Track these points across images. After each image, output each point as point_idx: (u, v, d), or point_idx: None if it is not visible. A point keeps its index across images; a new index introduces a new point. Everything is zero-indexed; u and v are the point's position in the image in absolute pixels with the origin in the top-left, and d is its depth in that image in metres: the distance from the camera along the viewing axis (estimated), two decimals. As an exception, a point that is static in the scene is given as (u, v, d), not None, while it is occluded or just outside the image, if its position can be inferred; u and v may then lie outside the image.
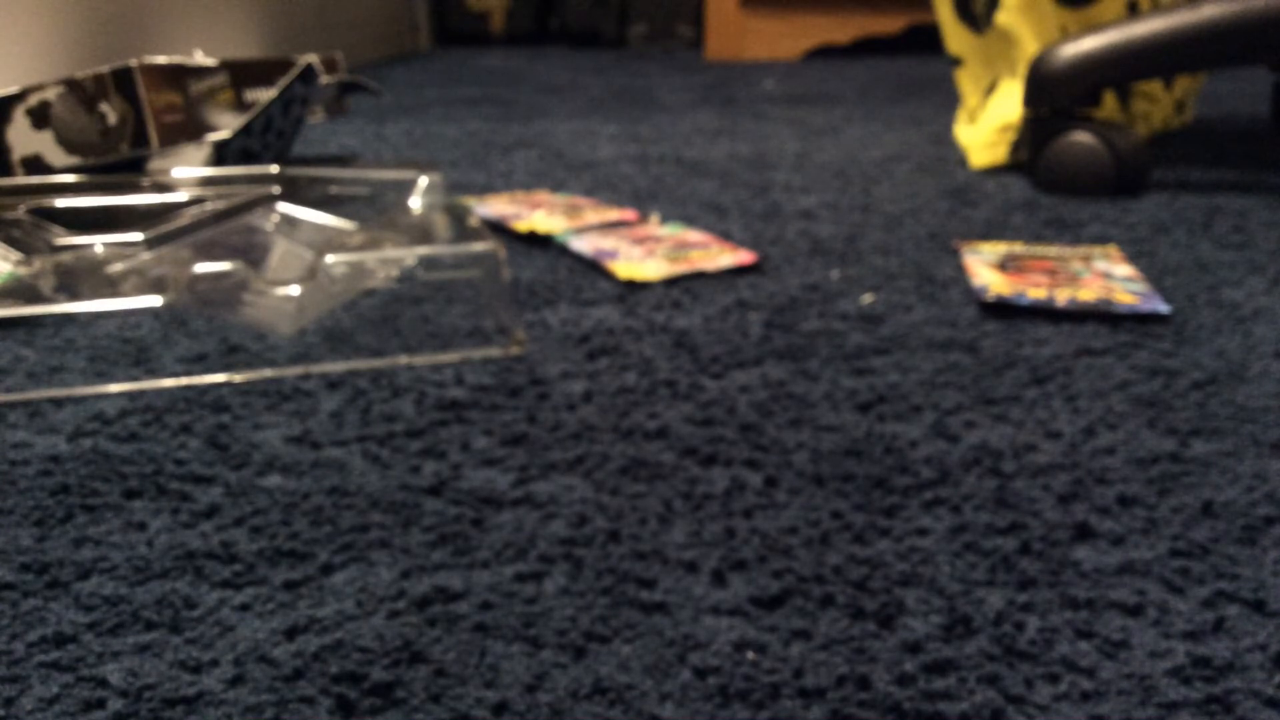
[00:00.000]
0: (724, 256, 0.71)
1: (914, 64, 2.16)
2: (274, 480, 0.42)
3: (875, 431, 0.46)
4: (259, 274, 0.59)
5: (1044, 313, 0.61)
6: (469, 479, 0.42)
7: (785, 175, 1.02)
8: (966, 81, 1.13)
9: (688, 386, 0.51)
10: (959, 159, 1.09)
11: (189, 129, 0.88)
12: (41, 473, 0.43)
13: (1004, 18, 1.00)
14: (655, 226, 0.79)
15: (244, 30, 1.66)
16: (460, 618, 0.33)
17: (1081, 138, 0.89)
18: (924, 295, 0.64)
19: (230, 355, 0.56)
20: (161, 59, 0.87)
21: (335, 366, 0.54)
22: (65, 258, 0.58)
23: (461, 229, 0.63)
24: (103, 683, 0.30)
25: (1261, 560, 0.36)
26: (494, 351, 0.55)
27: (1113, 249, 0.71)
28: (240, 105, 0.97)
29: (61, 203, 0.70)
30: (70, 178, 0.73)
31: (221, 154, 0.91)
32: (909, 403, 0.49)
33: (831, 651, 0.31)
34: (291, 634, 0.32)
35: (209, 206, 0.68)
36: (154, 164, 0.90)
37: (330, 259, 0.56)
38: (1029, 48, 0.99)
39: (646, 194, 0.93)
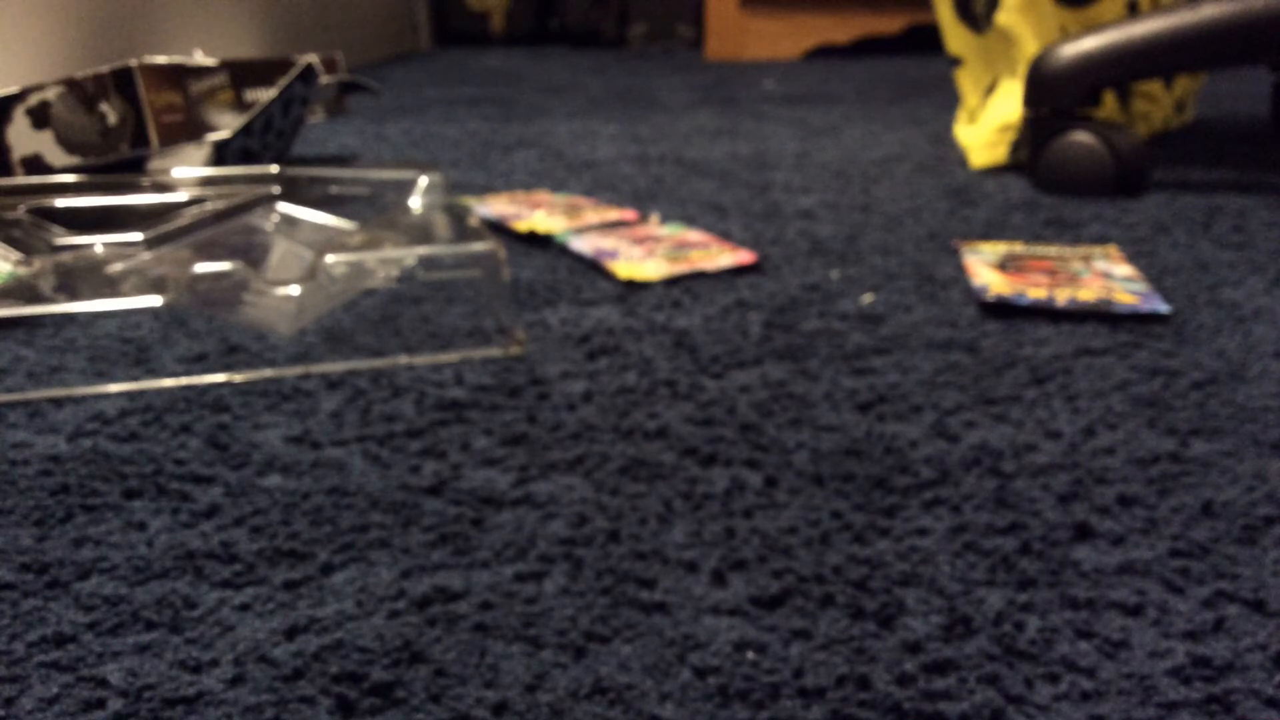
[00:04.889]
0: (724, 256, 0.71)
1: (914, 64, 2.16)
2: (274, 480, 0.42)
3: (875, 431, 0.46)
4: (259, 274, 0.59)
5: (1044, 313, 0.61)
6: (469, 479, 0.42)
7: (785, 175, 1.02)
8: (966, 81, 1.13)
9: (688, 386, 0.51)
10: (959, 159, 1.09)
11: (189, 129, 0.88)
12: (41, 473, 0.43)
13: (1004, 18, 1.00)
14: (655, 226, 0.79)
15: (244, 30, 1.65)
16: (460, 618, 0.33)
17: (1081, 138, 0.89)
18: (924, 295, 0.64)
19: (230, 355, 0.56)
20: (161, 59, 0.87)
21: (335, 366, 0.54)
22: (65, 258, 0.58)
23: (461, 229, 0.63)
24: (103, 683, 0.30)
25: (1261, 560, 0.36)
26: (494, 351, 0.55)
27: (1113, 249, 0.71)
28: (240, 105, 0.97)
29: (61, 203, 0.70)
30: (70, 178, 0.73)
31: (221, 154, 0.91)
32: (909, 403, 0.49)
33: (831, 651, 0.31)
34: (291, 634, 0.32)
35: (209, 206, 0.68)
36: (154, 164, 0.90)
37: (330, 259, 0.56)
38: (1029, 48, 0.99)
39: (646, 194, 0.93)
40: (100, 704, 0.29)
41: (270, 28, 1.76)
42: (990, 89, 1.09)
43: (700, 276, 0.69)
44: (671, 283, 0.67)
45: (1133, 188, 0.90)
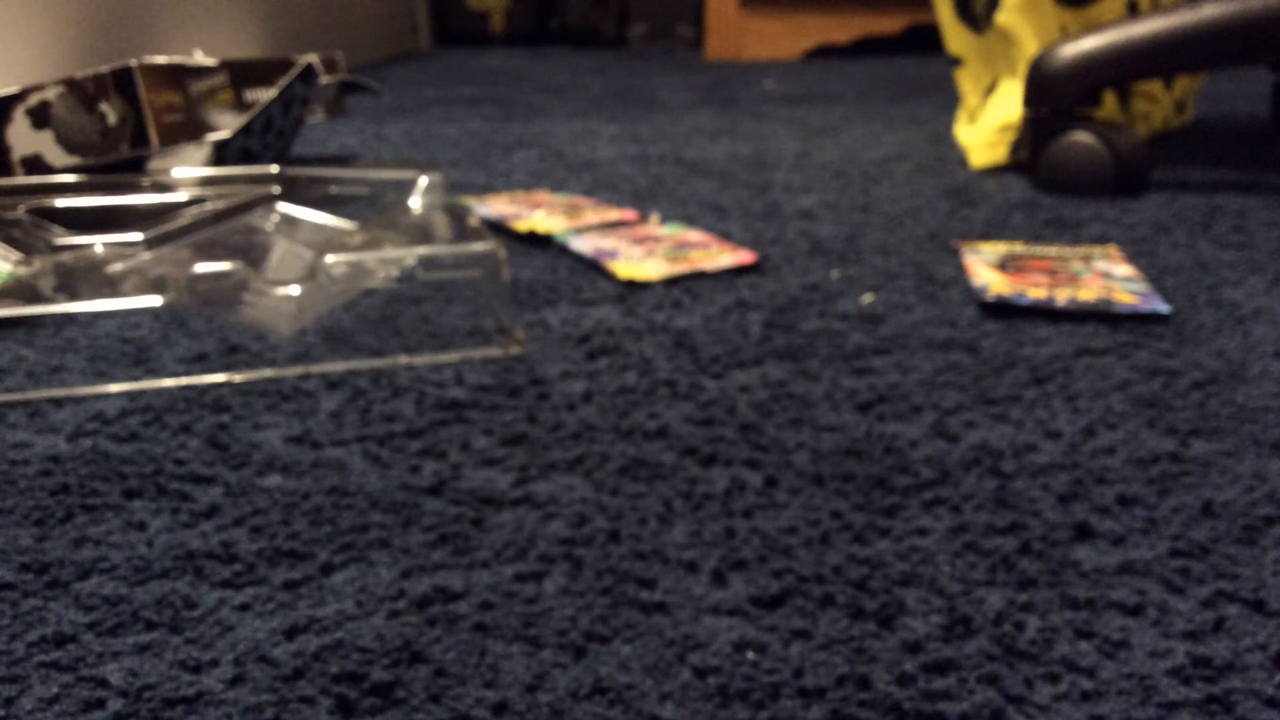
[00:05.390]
0: (724, 256, 0.71)
1: (914, 64, 2.16)
2: (274, 480, 0.42)
3: (875, 431, 0.46)
4: (259, 274, 0.59)
5: (1044, 313, 0.61)
6: (469, 479, 0.42)
7: (785, 175, 1.02)
8: (966, 81, 1.13)
9: (688, 386, 0.51)
10: (959, 159, 1.09)
11: (189, 129, 0.88)
12: (41, 473, 0.43)
13: (1004, 18, 1.00)
14: (655, 226, 0.79)
15: (244, 30, 1.65)
16: (460, 618, 0.33)
17: (1081, 138, 0.89)
18: (924, 295, 0.64)
19: (230, 355, 0.56)
20: (161, 59, 0.87)
21: (335, 366, 0.54)
22: (65, 258, 0.58)
23: (461, 229, 0.63)
24: (103, 683, 0.30)
25: (1261, 560, 0.36)
26: (494, 351, 0.55)
27: (1113, 249, 0.71)
28: (240, 105, 0.97)
29: (61, 203, 0.70)
30: (70, 178, 0.73)
31: (221, 154, 0.91)
32: (909, 403, 0.49)
33: (831, 651, 0.31)
34: (291, 634, 0.32)
35: (209, 206, 0.68)
36: (154, 164, 0.90)
37: (330, 259, 0.56)
38: (1029, 48, 0.99)
39: (646, 194, 0.93)
40: (100, 704, 0.29)
41: (270, 28, 1.76)
42: (990, 89, 1.09)
43: (700, 276, 0.69)
44: (671, 283, 0.67)
45: (1133, 188, 0.90)
